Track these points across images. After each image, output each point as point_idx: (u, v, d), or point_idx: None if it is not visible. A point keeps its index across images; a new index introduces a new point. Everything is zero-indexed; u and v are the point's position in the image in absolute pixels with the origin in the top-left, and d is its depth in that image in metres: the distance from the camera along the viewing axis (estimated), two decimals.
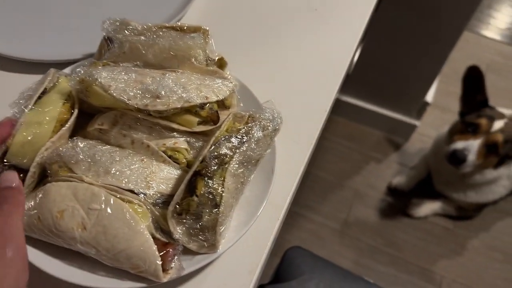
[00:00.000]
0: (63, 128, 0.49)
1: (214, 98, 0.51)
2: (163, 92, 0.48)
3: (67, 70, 0.60)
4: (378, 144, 2.07)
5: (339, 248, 1.77)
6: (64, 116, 0.50)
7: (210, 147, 0.46)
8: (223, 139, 0.47)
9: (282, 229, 1.84)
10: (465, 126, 1.51)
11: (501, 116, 1.49)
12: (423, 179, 1.90)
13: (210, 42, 0.56)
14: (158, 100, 0.48)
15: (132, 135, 0.50)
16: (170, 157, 0.50)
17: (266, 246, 0.51)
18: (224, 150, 0.46)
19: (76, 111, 0.51)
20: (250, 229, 0.51)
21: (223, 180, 0.45)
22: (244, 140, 0.47)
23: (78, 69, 0.51)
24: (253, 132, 0.48)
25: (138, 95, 0.48)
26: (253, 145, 0.47)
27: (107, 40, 0.57)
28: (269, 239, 0.52)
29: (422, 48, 1.65)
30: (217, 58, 0.57)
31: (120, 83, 0.48)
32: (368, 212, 1.88)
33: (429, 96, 1.87)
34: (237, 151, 0.47)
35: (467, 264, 1.76)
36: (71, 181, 0.46)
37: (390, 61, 1.76)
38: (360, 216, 1.86)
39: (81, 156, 0.48)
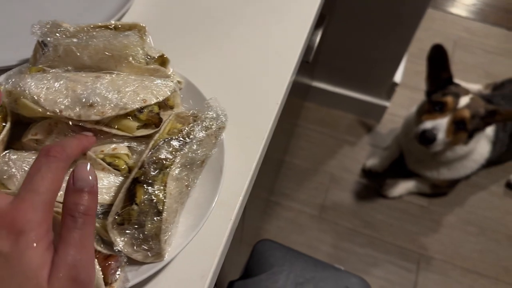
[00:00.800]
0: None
1: (153, 101, 0.48)
2: (97, 99, 0.45)
3: (0, 79, 0.56)
4: (351, 127, 2.07)
5: (318, 233, 1.78)
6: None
7: (149, 152, 0.44)
8: (162, 142, 0.45)
9: (261, 220, 1.83)
10: (432, 105, 1.52)
11: (466, 92, 1.50)
12: (396, 159, 1.92)
13: (148, 39, 0.53)
14: (92, 109, 0.45)
15: None
16: (109, 164, 0.47)
17: (218, 248, 0.50)
18: (163, 154, 0.44)
19: (8, 124, 0.48)
20: (201, 232, 0.49)
21: (165, 186, 0.43)
22: (186, 141, 0.45)
23: (8, 79, 0.48)
24: (194, 133, 0.46)
25: (70, 105, 0.45)
26: (195, 146, 0.45)
27: (41, 44, 0.54)
28: (222, 242, 0.50)
29: (387, 29, 1.64)
30: (157, 56, 0.55)
31: (50, 92, 0.45)
32: (344, 196, 1.89)
33: (398, 77, 1.88)
34: (178, 154, 0.44)
35: (443, 240, 1.79)
36: None
37: (355, 44, 1.75)
38: (337, 200, 1.87)
39: (13, 170, 0.45)
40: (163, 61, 0.56)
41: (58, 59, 0.53)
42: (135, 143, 0.49)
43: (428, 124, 1.49)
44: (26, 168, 0.45)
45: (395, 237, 1.79)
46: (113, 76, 0.49)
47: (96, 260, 0.42)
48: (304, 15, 0.74)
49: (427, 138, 1.47)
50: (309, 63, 1.04)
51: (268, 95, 0.63)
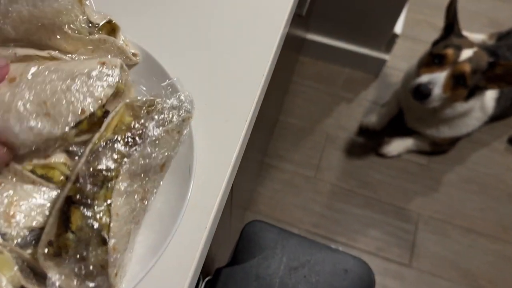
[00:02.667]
0: None
1: (96, 106, 0.36)
2: (22, 131, 0.33)
3: None
4: (348, 82, 1.95)
5: (313, 195, 1.71)
6: None
7: (86, 160, 0.33)
8: (102, 146, 0.33)
9: (256, 183, 1.75)
10: (432, 58, 1.39)
11: (470, 45, 1.37)
12: (395, 117, 1.81)
13: (87, 1, 0.40)
14: (15, 138, 0.33)
15: None
16: (41, 176, 0.36)
17: (190, 267, 0.40)
18: (104, 163, 0.33)
19: None
20: (171, 245, 0.39)
21: (109, 205, 0.32)
22: (136, 143, 0.34)
23: None
24: (148, 130, 0.34)
25: None
26: (149, 148, 0.34)
27: None
28: (195, 257, 0.40)
29: None
30: (104, 22, 0.42)
31: None
32: (341, 155, 1.80)
33: (398, 27, 1.73)
34: (126, 160, 0.33)
35: (443, 199, 1.73)
36: None
37: None
38: (333, 160, 1.79)
39: None
40: (111, 28, 0.43)
41: None
42: (76, 148, 0.38)
43: (424, 78, 1.37)
44: None
45: (393, 197, 1.73)
46: (30, 79, 0.36)
47: None
48: None
49: (422, 92, 1.36)
50: (303, 17, 0.90)
51: (251, 66, 0.50)
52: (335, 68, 1.97)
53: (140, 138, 0.34)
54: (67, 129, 0.34)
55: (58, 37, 0.40)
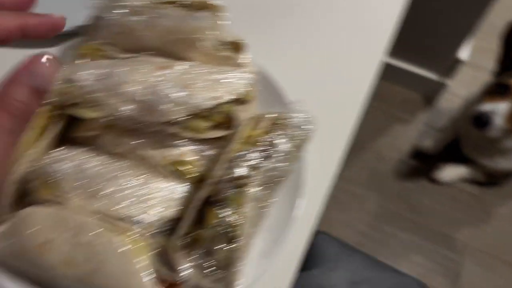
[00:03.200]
0: (49, 136, 0.40)
1: (227, 97, 0.40)
2: (163, 100, 0.38)
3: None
4: (405, 103, 1.94)
5: (359, 213, 1.71)
6: (46, 123, 0.40)
7: (224, 167, 0.37)
8: (239, 155, 0.37)
9: None
10: (496, 87, 1.38)
11: None
12: (451, 142, 1.79)
13: (224, 21, 0.44)
14: (159, 112, 0.38)
15: (127, 144, 0.41)
16: (175, 171, 0.40)
17: (291, 269, 0.44)
18: (241, 171, 0.36)
19: (62, 123, 0.41)
20: None
21: (241, 208, 0.36)
22: (268, 154, 0.38)
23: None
24: (279, 143, 0.38)
25: (134, 108, 0.38)
26: (278, 161, 0.37)
27: (96, 19, 0.47)
28: (295, 261, 0.44)
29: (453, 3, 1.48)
30: (232, 41, 0.46)
31: (109, 94, 0.38)
32: (391, 176, 1.79)
33: (464, 53, 1.72)
34: (259, 170, 0.37)
35: (493, 233, 1.69)
36: (56, 203, 0.38)
37: (420, 13, 1.58)
38: (383, 180, 1.78)
39: (68, 172, 0.39)
40: (237, 47, 0.47)
41: (116, 38, 0.46)
42: (204, 146, 0.42)
43: (486, 107, 1.36)
44: (82, 169, 0.39)
45: (441, 224, 1.70)
46: (180, 69, 0.41)
47: None
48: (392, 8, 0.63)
49: (482, 121, 1.35)
50: None
51: (348, 96, 0.54)
52: (394, 87, 1.96)
53: (272, 149, 0.38)
54: (204, 106, 0.39)
55: (193, 50, 0.44)
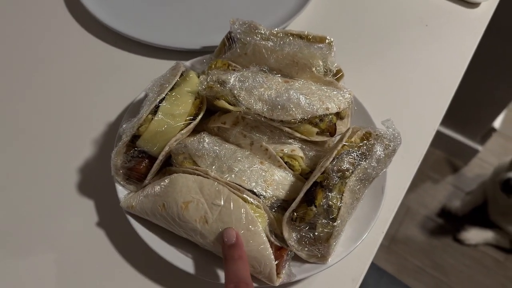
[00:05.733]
0: (193, 123, 0.51)
1: (335, 110, 0.51)
2: (289, 104, 0.49)
3: (187, 63, 0.62)
4: (437, 164, 2.02)
5: (384, 264, 1.75)
6: (193, 111, 0.52)
7: (333, 160, 0.47)
8: (345, 153, 0.47)
9: None
10: None
11: None
12: (479, 206, 1.84)
13: (333, 53, 0.56)
14: (284, 111, 0.49)
15: (252, 136, 0.52)
16: (286, 163, 0.51)
17: (370, 256, 0.53)
18: (345, 165, 0.46)
19: (204, 110, 0.53)
20: None
21: (342, 194, 0.46)
22: (366, 157, 0.48)
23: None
24: (375, 150, 0.48)
25: (265, 107, 0.49)
26: (374, 163, 0.47)
27: (229, 39, 0.59)
28: (373, 251, 0.53)
29: (497, 71, 1.59)
30: (335, 70, 0.58)
31: (248, 94, 0.50)
32: (418, 231, 1.84)
33: (497, 123, 1.80)
34: (358, 167, 0.47)
35: None
36: (197, 174, 0.48)
37: (465, 82, 1.70)
38: (409, 234, 1.82)
39: (206, 151, 0.49)
40: (337, 75, 0.59)
41: (244, 57, 0.58)
42: (308, 148, 0.53)
43: None
44: (217, 151, 0.50)
45: (463, 286, 1.72)
46: (300, 83, 0.53)
47: (271, 250, 0.45)
48: (465, 47, 0.75)
49: (510, 187, 1.42)
50: None
51: (425, 120, 0.66)
52: (428, 147, 2.05)
53: (369, 153, 0.48)
54: (318, 112, 0.50)
55: (305, 73, 0.56)
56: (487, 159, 2.02)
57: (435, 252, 1.79)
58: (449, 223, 1.86)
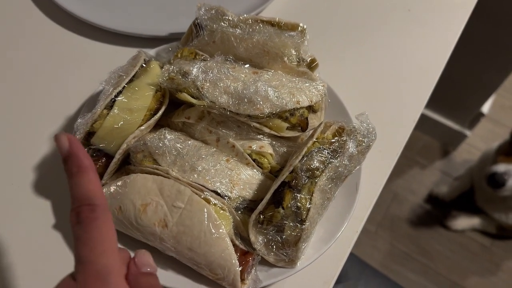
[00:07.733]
0: (153, 118, 0.47)
1: (306, 103, 0.48)
2: (257, 98, 0.45)
3: (152, 52, 0.58)
4: (425, 149, 2.00)
5: (371, 250, 1.74)
6: (153, 105, 0.48)
7: (302, 159, 0.44)
8: (315, 151, 0.44)
9: None
10: (511, 148, 1.44)
11: None
12: (466, 192, 1.83)
13: (306, 42, 0.52)
14: (251, 105, 0.45)
15: (218, 132, 0.48)
16: (254, 160, 0.48)
17: (343, 258, 0.50)
18: (315, 164, 0.43)
19: (165, 104, 0.49)
20: None
21: (312, 195, 0.43)
22: (337, 154, 0.44)
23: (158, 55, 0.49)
24: (347, 146, 0.45)
25: (231, 100, 0.46)
26: (346, 160, 0.44)
27: (197, 26, 0.55)
28: (347, 252, 0.50)
29: (486, 56, 1.56)
30: (309, 59, 0.54)
31: (212, 86, 0.46)
32: (405, 217, 1.83)
33: (485, 108, 1.79)
34: (329, 165, 0.44)
35: (500, 285, 1.71)
36: (157, 173, 0.45)
37: (453, 67, 1.67)
38: (396, 220, 1.82)
39: (167, 149, 0.46)
40: (311, 64, 0.55)
41: (212, 45, 0.54)
42: (278, 143, 0.49)
43: (500, 167, 1.41)
44: (179, 148, 0.46)
45: (449, 271, 1.73)
46: (269, 75, 0.49)
47: (236, 255, 0.42)
48: (449, 34, 0.71)
49: (496, 181, 1.41)
50: None
51: (404, 111, 0.62)
52: (415, 133, 2.03)
53: (340, 150, 0.44)
54: (288, 106, 0.47)
55: (276, 62, 0.52)
56: (475, 144, 2.00)
57: (422, 238, 1.79)
58: (436, 209, 1.86)
